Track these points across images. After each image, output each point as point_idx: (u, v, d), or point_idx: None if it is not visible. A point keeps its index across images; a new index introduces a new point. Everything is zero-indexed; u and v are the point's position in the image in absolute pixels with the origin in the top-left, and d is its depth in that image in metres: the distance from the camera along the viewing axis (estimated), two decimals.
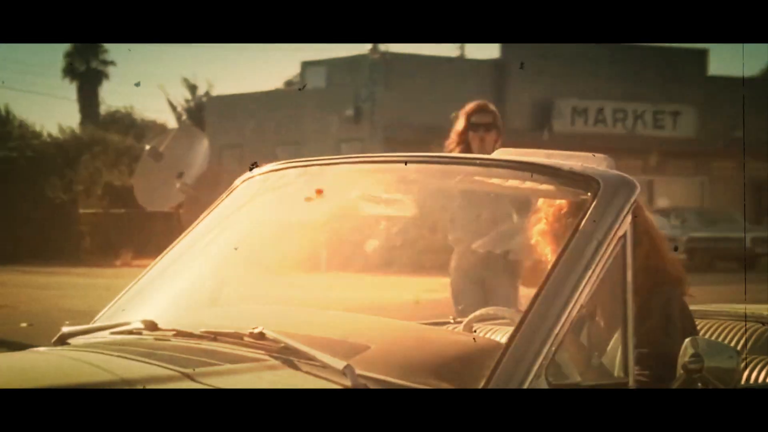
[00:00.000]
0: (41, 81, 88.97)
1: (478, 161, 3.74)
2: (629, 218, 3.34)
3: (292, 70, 41.25)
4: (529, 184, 3.64)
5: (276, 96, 41.08)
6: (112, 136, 39.93)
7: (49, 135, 38.69)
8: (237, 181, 4.19)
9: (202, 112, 44.77)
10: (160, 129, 48.58)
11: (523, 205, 4.07)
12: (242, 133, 38.20)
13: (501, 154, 3.82)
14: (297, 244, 4.07)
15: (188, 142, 33.59)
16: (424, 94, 35.08)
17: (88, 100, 55.79)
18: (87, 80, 56.01)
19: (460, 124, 7.21)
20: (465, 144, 7.17)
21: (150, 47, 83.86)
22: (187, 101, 49.81)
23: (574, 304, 3.15)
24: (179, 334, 3.49)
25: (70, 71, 56.01)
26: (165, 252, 4.08)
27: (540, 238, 3.71)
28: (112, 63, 57.08)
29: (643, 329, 3.45)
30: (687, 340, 3.23)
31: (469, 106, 7.24)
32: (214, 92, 47.28)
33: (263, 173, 4.16)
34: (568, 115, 37.25)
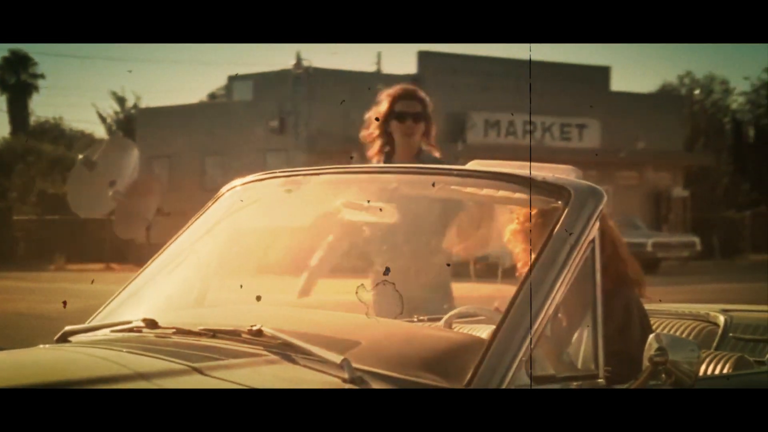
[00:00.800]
0: None
1: (455, 172, 3.81)
2: (597, 224, 3.45)
3: (220, 84, 41.09)
4: (503, 193, 3.73)
5: (204, 108, 41.02)
6: (45, 146, 39.55)
7: None
8: (223, 189, 4.23)
9: (132, 124, 44.52)
10: (90, 140, 48.18)
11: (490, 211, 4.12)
12: (171, 143, 38.04)
13: (475, 165, 3.89)
14: (279, 249, 4.11)
15: (120, 152, 33.37)
16: (344, 107, 35.14)
17: (19, 111, 55.13)
18: (17, 92, 55.34)
19: (382, 107, 5.70)
20: (386, 135, 5.72)
21: (81, 61, 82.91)
22: (116, 113, 49.46)
23: (551, 303, 3.26)
24: (179, 331, 3.53)
25: (0, 83, 55.29)
26: (155, 256, 4.13)
27: (512, 236, 3.82)
28: (41, 76, 56.49)
29: (606, 327, 3.59)
30: (651, 336, 3.33)
31: (395, 89, 5.76)
32: (144, 104, 47.09)
33: (247, 182, 4.20)
34: (481, 127, 37.54)
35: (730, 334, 4.59)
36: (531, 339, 3.18)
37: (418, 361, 3.21)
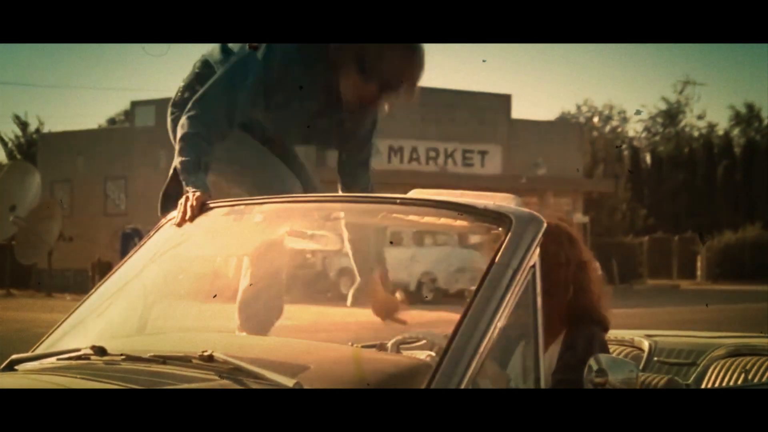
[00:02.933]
0: None
1: (398, 201, 3.87)
2: (538, 250, 3.53)
3: (122, 109, 40.82)
4: (444, 221, 3.82)
5: (106, 133, 40.73)
6: None
7: None
8: (163, 220, 4.24)
9: (33, 148, 44.00)
10: None
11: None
12: (73, 168, 37.69)
13: (417, 193, 3.95)
14: (223, 276, 4.14)
15: (20, 176, 33.18)
16: None
17: None
18: None
19: None
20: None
21: None
22: (18, 137, 48.86)
23: (494, 329, 3.33)
24: (128, 358, 3.52)
25: None
26: (99, 283, 4.14)
27: None
28: None
29: (565, 357, 3.69)
30: (591, 357, 3.45)
31: None
32: (45, 129, 46.56)
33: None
34: (385, 153, 37.72)
35: (655, 359, 4.74)
36: (476, 362, 3.25)
37: (369, 384, 3.27)
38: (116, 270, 4.17)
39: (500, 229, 3.56)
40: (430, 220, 3.85)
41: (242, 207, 4.14)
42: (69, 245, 33.57)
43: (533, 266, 3.51)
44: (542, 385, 3.42)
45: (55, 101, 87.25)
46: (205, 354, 3.37)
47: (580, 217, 38.88)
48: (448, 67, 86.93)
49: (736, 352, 4.64)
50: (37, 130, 46.90)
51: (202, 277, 4.19)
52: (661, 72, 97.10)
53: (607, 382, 3.38)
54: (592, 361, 3.43)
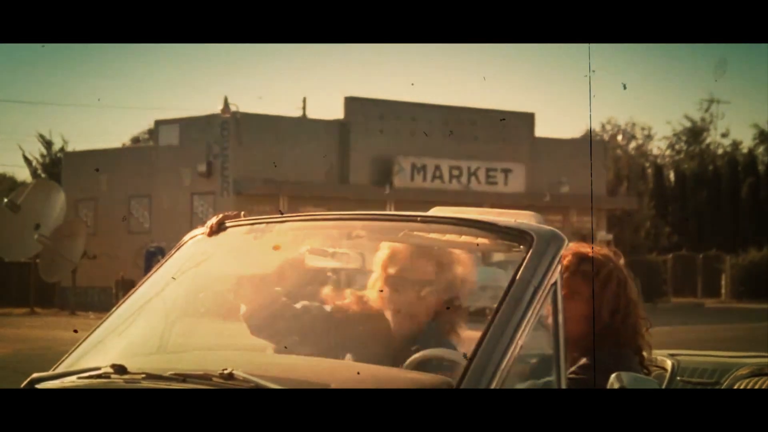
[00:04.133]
0: None
1: (419, 218, 3.86)
2: (559, 267, 3.53)
3: (146, 128, 40.89)
4: (465, 238, 3.80)
5: (130, 152, 40.87)
6: None
7: None
8: (186, 237, 4.23)
9: (57, 167, 44.14)
10: (13, 183, 47.70)
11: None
12: (97, 187, 37.80)
13: (438, 211, 3.94)
14: (244, 296, 4.11)
15: (45, 195, 33.32)
16: (271, 151, 35.19)
17: None
18: None
19: None
20: None
21: (5, 104, 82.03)
22: (43, 156, 49.05)
23: (516, 344, 3.34)
24: (149, 376, 3.51)
25: None
26: (121, 302, 4.14)
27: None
28: None
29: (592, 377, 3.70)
30: (613, 375, 3.44)
31: None
32: (69, 148, 46.71)
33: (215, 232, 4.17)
34: (408, 171, 37.73)
35: (678, 378, 4.69)
36: (498, 379, 3.25)
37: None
38: (137, 288, 4.16)
39: (521, 246, 3.56)
40: (451, 238, 3.84)
41: (263, 225, 4.13)
42: (93, 263, 33.64)
43: (554, 283, 3.51)
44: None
45: (79, 120, 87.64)
46: (225, 372, 3.37)
47: (603, 235, 38.77)
48: (472, 85, 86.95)
49: (759, 372, 4.59)
50: (62, 149, 47.09)
51: (221, 295, 4.18)
52: (685, 90, 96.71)
53: None
54: (613, 378, 3.42)
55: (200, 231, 4.20)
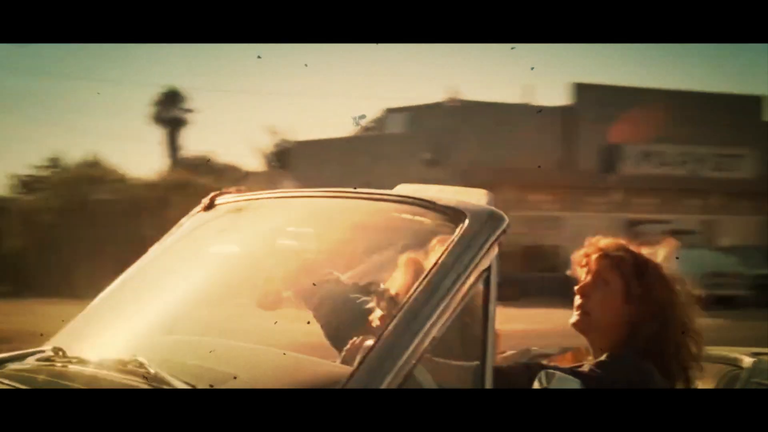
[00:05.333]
0: (130, 125, 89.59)
1: (364, 195, 3.73)
2: (494, 251, 3.19)
3: (372, 116, 41.28)
4: (407, 217, 3.53)
5: (356, 141, 41.38)
6: (199, 179, 40.18)
7: (138, 178, 38.78)
8: (184, 219, 4.17)
9: (285, 156, 44.98)
10: (241, 173, 48.86)
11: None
12: (324, 175, 38.40)
13: (400, 189, 3.74)
14: (242, 275, 3.97)
15: (274, 185, 34.04)
16: (497, 138, 35.20)
17: (173, 144, 56.16)
18: (172, 125, 56.37)
19: None
20: None
21: (235, 96, 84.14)
22: (271, 146, 50.14)
23: (425, 335, 3.02)
24: (80, 361, 3.43)
25: (158, 117, 56.37)
26: (113, 283, 4.05)
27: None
28: (191, 110, 57.41)
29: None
30: (543, 372, 3.13)
31: None
32: (297, 138, 47.58)
33: (208, 208, 4.12)
34: (634, 158, 37.21)
35: (754, 379, 4.20)
36: (396, 373, 2.97)
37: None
38: (135, 265, 4.09)
39: (455, 226, 3.24)
40: (395, 215, 3.59)
41: (243, 203, 4.02)
42: None
43: (487, 269, 3.17)
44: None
45: (304, 109, 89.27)
46: (135, 359, 3.25)
47: None
48: (700, 68, 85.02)
49: None
50: (288, 139, 48.03)
51: (222, 275, 3.98)
52: None
53: None
54: (542, 375, 3.12)
55: (197, 209, 4.15)
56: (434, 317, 3.04)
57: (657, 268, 3.68)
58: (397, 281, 3.55)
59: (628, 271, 3.65)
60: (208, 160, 50.68)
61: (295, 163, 40.62)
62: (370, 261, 3.82)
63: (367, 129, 41.74)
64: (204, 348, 3.51)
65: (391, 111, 38.68)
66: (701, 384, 3.88)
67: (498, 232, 3.22)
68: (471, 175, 34.83)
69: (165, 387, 3.10)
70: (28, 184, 39.12)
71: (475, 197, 3.42)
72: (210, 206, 4.11)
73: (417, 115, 37.29)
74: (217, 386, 3.06)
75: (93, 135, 75.08)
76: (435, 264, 3.14)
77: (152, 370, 3.17)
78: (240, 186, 4.37)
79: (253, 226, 4.01)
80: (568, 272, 3.74)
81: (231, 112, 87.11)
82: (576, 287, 3.70)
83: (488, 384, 3.11)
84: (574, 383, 3.12)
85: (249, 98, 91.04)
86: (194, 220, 4.13)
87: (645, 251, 3.71)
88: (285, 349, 3.36)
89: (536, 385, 3.09)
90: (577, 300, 3.69)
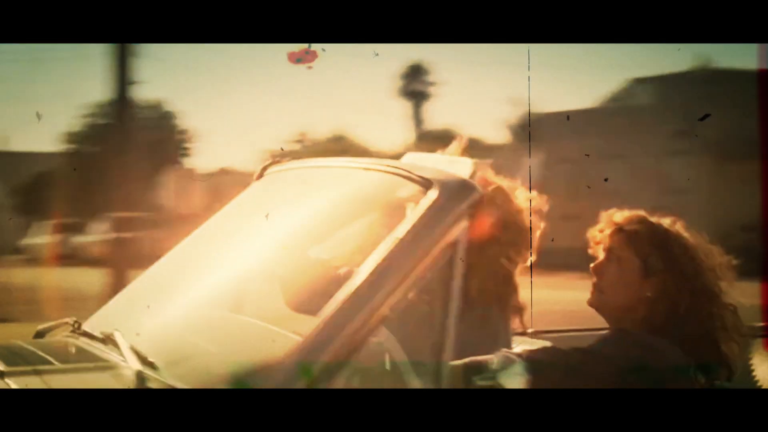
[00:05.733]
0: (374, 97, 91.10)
1: (354, 164, 3.60)
2: (463, 224, 3.09)
3: (616, 88, 40.55)
4: (388, 186, 3.40)
5: (600, 113, 40.67)
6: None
7: (382, 151, 39.26)
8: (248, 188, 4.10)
9: (528, 129, 44.76)
10: (481, 145, 48.87)
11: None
12: (571, 148, 37.88)
13: (407, 157, 3.64)
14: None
15: (518, 157, 33.77)
16: (752, 109, 33.99)
17: (417, 117, 56.87)
18: (416, 98, 57.04)
19: None
20: None
21: (479, 68, 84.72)
22: (514, 119, 49.89)
23: (376, 309, 2.96)
24: (85, 334, 3.55)
25: (402, 90, 57.13)
26: (167, 254, 4.04)
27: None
28: (435, 84, 57.88)
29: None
30: (504, 351, 3.00)
31: None
32: (542, 110, 47.20)
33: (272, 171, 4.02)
34: None
35: None
36: (346, 343, 2.93)
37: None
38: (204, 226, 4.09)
39: (425, 195, 3.15)
40: (375, 184, 3.47)
41: (299, 170, 3.94)
42: (569, 224, 33.77)
43: (454, 243, 3.07)
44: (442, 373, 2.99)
45: (549, 81, 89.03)
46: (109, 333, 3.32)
47: None
48: None
49: None
50: (533, 112, 47.72)
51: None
52: None
53: (495, 383, 2.91)
54: (496, 357, 2.97)
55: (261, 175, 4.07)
56: (389, 288, 2.99)
57: (679, 238, 3.47)
58: (361, 252, 3.44)
59: (645, 245, 3.45)
60: (455, 136, 50.86)
61: (539, 135, 40.24)
62: (341, 231, 3.72)
63: (614, 100, 41.08)
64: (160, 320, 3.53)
65: (639, 81, 37.89)
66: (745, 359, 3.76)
67: (467, 203, 3.12)
68: (723, 147, 33.77)
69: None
70: (278, 157, 40.16)
71: (455, 165, 3.34)
72: (261, 176, 4.08)
73: (666, 83, 36.41)
74: (179, 355, 3.12)
75: (339, 108, 76.65)
76: (397, 235, 3.08)
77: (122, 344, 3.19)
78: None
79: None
80: (589, 250, 3.60)
81: (473, 84, 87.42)
82: (591, 265, 3.53)
83: (446, 359, 3.02)
84: (519, 363, 2.97)
85: (489, 70, 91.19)
86: (248, 191, 4.09)
87: (666, 221, 3.51)
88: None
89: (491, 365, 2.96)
90: (593, 278, 3.52)
